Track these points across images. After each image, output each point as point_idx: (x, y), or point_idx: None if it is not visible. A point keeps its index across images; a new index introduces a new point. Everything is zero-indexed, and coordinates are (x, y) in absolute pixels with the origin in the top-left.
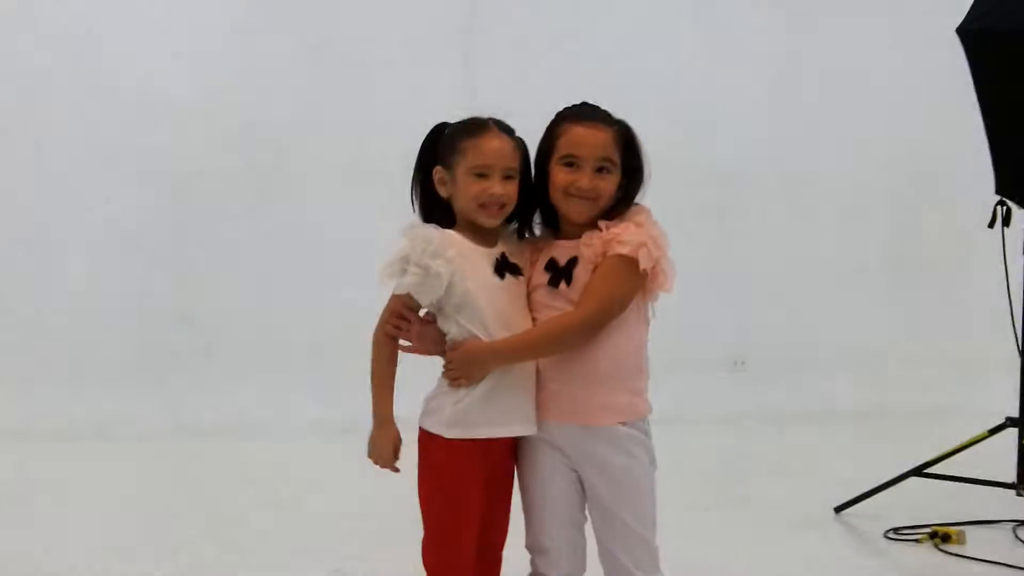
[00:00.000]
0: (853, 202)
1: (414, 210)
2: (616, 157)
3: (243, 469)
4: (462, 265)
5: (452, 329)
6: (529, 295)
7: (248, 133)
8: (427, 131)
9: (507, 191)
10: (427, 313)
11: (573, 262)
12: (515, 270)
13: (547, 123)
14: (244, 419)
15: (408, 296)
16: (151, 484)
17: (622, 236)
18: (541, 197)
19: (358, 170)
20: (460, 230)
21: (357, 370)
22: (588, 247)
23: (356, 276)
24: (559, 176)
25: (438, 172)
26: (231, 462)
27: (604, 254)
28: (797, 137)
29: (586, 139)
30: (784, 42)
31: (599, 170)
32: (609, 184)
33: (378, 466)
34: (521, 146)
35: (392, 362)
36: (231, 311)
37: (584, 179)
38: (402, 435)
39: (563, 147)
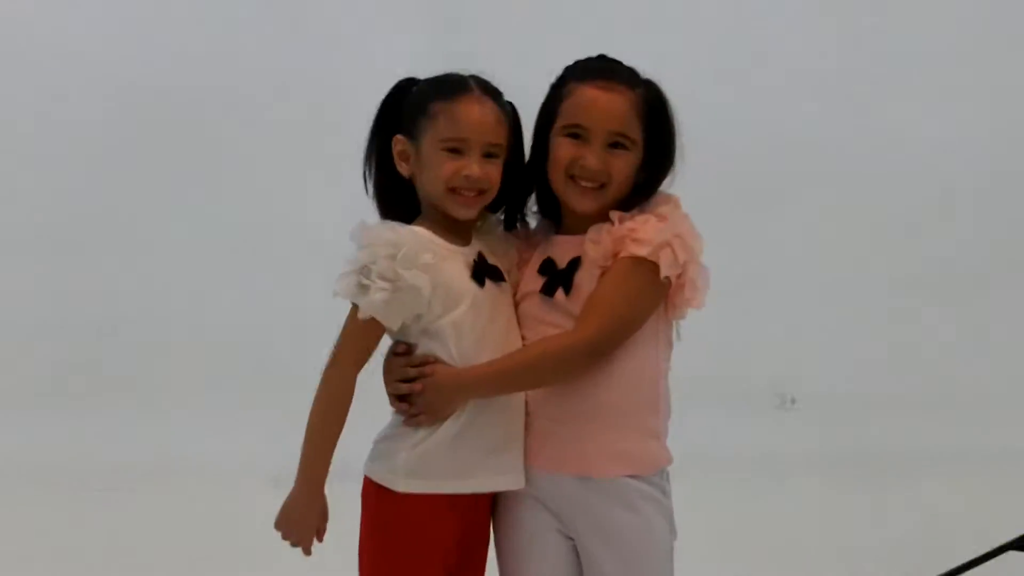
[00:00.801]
0: (928, 203)
1: (367, 191)
2: (636, 130)
3: (174, 514)
4: (440, 273)
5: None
6: (517, 306)
7: (184, 105)
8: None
9: (487, 173)
10: (398, 343)
11: (575, 264)
12: (496, 274)
13: (550, 83)
14: (175, 455)
15: (373, 322)
16: (63, 529)
17: (639, 232)
18: (538, 178)
19: (318, 152)
20: (426, 223)
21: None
22: (595, 245)
23: (312, 278)
24: (561, 150)
25: (399, 142)
26: (159, 506)
27: (615, 255)
28: (860, 121)
29: (597, 104)
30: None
31: (612, 145)
32: (624, 164)
33: (287, 541)
34: (510, 114)
35: (346, 411)
36: (161, 321)
37: (591, 156)
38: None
39: (568, 113)
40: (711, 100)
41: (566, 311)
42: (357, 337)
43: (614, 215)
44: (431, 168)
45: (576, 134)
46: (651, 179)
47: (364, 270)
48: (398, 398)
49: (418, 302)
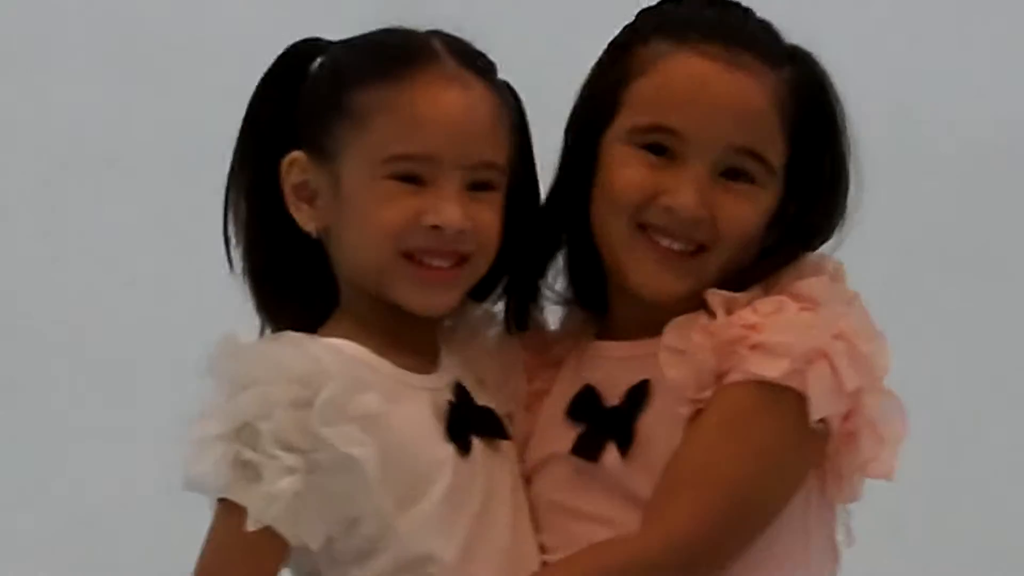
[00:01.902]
0: None
1: (231, 266)
2: (777, 147)
3: None
4: (391, 432)
5: None
6: (529, 481)
7: None
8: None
9: (476, 221)
10: None
11: (639, 396)
12: (490, 425)
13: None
14: None
15: (269, 536)
16: None
17: (766, 332)
18: (571, 227)
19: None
20: (353, 327)
21: None
22: (679, 358)
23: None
24: (626, 173)
25: (297, 165)
26: None
27: (719, 377)
28: None
29: (710, 92)
30: None
31: (729, 174)
32: (749, 211)
33: None
34: (513, 108)
35: None
36: None
37: (687, 190)
38: None
39: (646, 103)
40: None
41: (624, 489)
42: (238, 565)
43: (715, 298)
44: (365, 213)
45: (660, 145)
46: (796, 237)
47: (247, 434)
48: None
49: (357, 494)
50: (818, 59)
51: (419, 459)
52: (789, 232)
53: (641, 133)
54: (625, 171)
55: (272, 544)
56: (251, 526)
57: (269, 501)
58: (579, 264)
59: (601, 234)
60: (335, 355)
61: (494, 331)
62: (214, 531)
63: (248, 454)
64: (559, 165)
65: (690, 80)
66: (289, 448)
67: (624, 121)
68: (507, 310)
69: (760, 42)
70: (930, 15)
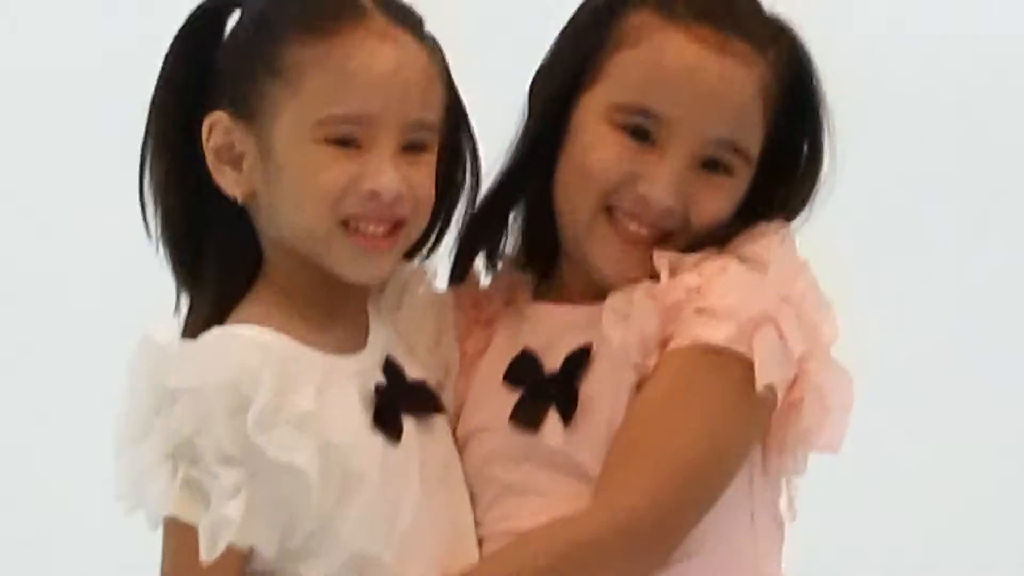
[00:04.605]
0: None
1: (149, 234)
2: (756, 137)
3: None
4: (324, 427)
5: None
6: (462, 450)
7: None
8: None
9: (414, 184)
10: None
11: (580, 360)
12: (422, 401)
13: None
14: None
15: (231, 557)
16: None
17: (710, 295)
18: (529, 191)
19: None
20: (274, 302)
21: None
22: (622, 322)
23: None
24: (603, 153)
25: (219, 126)
26: None
27: (664, 342)
28: None
29: (701, 79)
30: None
31: (708, 164)
32: (721, 202)
33: None
34: (440, 60)
35: None
36: None
37: (663, 179)
38: None
39: (632, 82)
40: None
41: (564, 460)
42: None
43: (661, 259)
44: (299, 180)
45: (642, 129)
46: (762, 210)
47: (187, 449)
48: None
49: (299, 496)
50: (799, 34)
51: (350, 455)
52: (755, 204)
53: (623, 112)
54: (602, 152)
55: (232, 556)
56: (206, 555)
57: (220, 526)
58: (533, 226)
59: (564, 208)
60: (262, 353)
61: (423, 289)
62: (172, 551)
63: (192, 472)
64: (523, 126)
65: (680, 65)
66: (229, 462)
67: (604, 94)
68: (454, 261)
69: (749, 22)
70: None
